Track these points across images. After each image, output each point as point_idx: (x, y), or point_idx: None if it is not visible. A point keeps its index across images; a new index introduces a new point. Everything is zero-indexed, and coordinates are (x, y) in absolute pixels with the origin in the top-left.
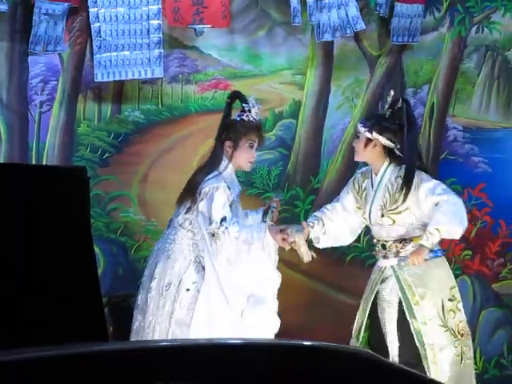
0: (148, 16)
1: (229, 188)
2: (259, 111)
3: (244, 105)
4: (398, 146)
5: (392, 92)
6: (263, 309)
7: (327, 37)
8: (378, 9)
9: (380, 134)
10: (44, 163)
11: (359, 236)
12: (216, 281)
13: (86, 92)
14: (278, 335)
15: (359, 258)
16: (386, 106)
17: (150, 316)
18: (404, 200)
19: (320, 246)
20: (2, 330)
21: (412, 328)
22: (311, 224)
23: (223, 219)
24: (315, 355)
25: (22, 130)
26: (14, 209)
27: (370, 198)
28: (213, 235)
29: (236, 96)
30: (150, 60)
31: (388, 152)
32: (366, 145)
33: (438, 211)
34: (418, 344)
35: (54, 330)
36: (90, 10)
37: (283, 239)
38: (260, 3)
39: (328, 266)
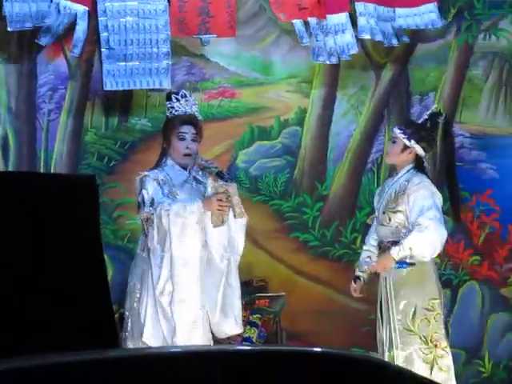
0: (157, 27)
1: (167, 174)
2: (189, 102)
3: (167, 102)
4: (427, 157)
5: (436, 105)
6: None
7: (322, 59)
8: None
9: (417, 142)
10: (52, 171)
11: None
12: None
13: (93, 100)
14: (288, 341)
15: None
16: (426, 116)
17: (128, 318)
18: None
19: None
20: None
21: (384, 325)
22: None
23: (152, 202)
24: (325, 362)
25: (31, 137)
26: (24, 217)
27: (382, 197)
28: (147, 220)
29: (167, 97)
30: (158, 70)
31: (417, 159)
32: (402, 150)
33: (418, 232)
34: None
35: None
36: (99, 19)
37: (218, 200)
38: (268, 11)
39: (337, 271)
